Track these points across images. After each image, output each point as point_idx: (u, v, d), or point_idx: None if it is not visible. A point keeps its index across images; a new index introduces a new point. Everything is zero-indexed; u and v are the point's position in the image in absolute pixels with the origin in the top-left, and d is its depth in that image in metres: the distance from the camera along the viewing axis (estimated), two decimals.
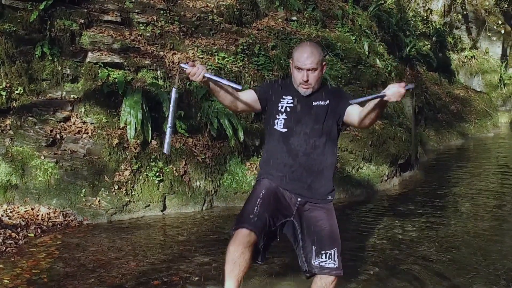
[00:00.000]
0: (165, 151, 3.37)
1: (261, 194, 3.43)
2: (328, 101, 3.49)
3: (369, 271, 4.90)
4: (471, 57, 22.25)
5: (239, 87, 3.43)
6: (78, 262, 4.94)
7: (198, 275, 4.70)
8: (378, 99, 3.18)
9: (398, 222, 6.61)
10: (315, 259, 3.41)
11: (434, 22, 21.89)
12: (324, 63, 3.50)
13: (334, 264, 3.41)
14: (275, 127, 3.51)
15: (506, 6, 23.85)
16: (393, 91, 3.06)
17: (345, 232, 6.08)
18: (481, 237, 6.05)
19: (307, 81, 3.40)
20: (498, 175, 10.37)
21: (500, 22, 24.12)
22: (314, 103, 3.49)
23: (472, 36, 24.12)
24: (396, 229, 6.31)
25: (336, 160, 3.63)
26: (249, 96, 3.61)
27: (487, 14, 24.76)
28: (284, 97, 3.54)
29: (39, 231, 5.72)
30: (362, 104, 3.35)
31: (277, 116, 3.52)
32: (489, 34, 24.06)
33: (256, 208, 3.35)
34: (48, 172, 6.32)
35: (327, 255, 3.41)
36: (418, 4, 22.57)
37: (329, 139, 3.50)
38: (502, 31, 23.74)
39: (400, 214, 6.99)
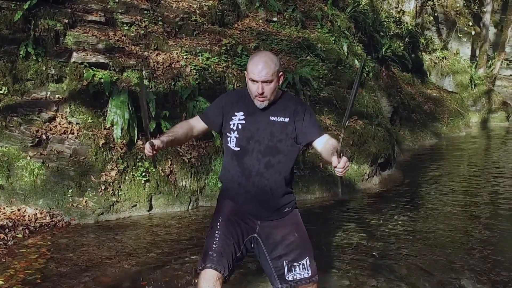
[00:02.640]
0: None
1: (218, 224, 3.32)
2: (288, 119, 3.29)
3: (357, 269, 4.99)
4: (443, 57, 22.64)
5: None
6: (71, 262, 4.95)
7: (191, 274, 4.75)
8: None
9: (382, 220, 6.74)
10: (288, 274, 3.31)
11: (406, 23, 22.21)
12: (280, 73, 3.26)
13: (308, 273, 3.33)
14: (228, 145, 3.32)
15: (476, 8, 24.36)
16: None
17: (330, 231, 6.21)
18: (463, 234, 6.25)
19: (262, 93, 3.18)
20: (472, 174, 10.63)
21: (470, 23, 24.63)
22: (272, 118, 3.29)
23: (443, 37, 24.58)
24: (380, 227, 6.44)
25: (294, 176, 3.46)
26: (199, 125, 3.46)
27: (457, 15, 25.25)
28: (236, 113, 3.34)
29: (27, 232, 5.70)
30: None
31: (228, 134, 3.33)
32: (459, 35, 24.53)
33: (215, 243, 3.24)
34: (34, 172, 6.28)
35: (300, 266, 3.33)
36: (390, 5, 22.88)
37: (285, 157, 3.29)
38: (473, 33, 24.24)
39: (383, 212, 7.12)
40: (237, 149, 3.28)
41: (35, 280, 4.52)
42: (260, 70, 3.14)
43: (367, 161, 8.70)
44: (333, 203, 7.60)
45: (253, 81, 3.18)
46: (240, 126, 3.29)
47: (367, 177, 8.71)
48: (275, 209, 3.33)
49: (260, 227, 3.35)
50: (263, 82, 3.16)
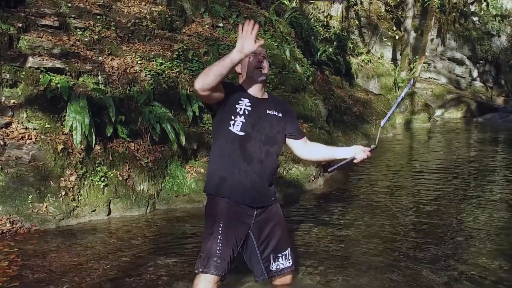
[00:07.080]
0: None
1: (220, 229, 3.48)
2: (281, 114, 3.71)
3: (323, 265, 5.25)
4: (368, 61, 23.57)
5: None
6: (45, 269, 4.96)
7: (168, 275, 4.89)
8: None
9: (335, 218, 7.07)
10: (272, 265, 3.71)
11: (334, 27, 22.93)
12: None
13: (289, 262, 3.80)
14: (231, 128, 3.48)
15: (400, 13, 25.45)
16: (361, 156, 3.85)
17: (289, 230, 6.44)
18: (410, 228, 6.68)
19: (262, 62, 3.63)
20: (403, 172, 11.28)
21: (394, 28, 25.75)
22: (268, 112, 3.63)
23: (367, 41, 25.56)
24: (335, 225, 6.74)
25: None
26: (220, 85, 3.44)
27: (380, 20, 26.31)
28: (242, 98, 3.55)
29: None
30: (337, 169, 3.98)
31: (234, 117, 3.49)
32: (384, 39, 25.58)
33: (218, 249, 3.41)
34: None
35: (283, 256, 3.74)
36: (319, 10, 23.55)
37: (278, 148, 3.73)
38: (397, 37, 25.33)
39: (334, 211, 7.47)
40: (241, 133, 3.50)
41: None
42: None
43: (313, 163, 9.05)
44: (284, 204, 7.86)
45: (254, 53, 3.55)
46: (246, 112, 3.53)
47: (313, 178, 9.08)
48: (266, 196, 3.67)
49: (254, 222, 3.62)
50: (262, 56, 3.66)
